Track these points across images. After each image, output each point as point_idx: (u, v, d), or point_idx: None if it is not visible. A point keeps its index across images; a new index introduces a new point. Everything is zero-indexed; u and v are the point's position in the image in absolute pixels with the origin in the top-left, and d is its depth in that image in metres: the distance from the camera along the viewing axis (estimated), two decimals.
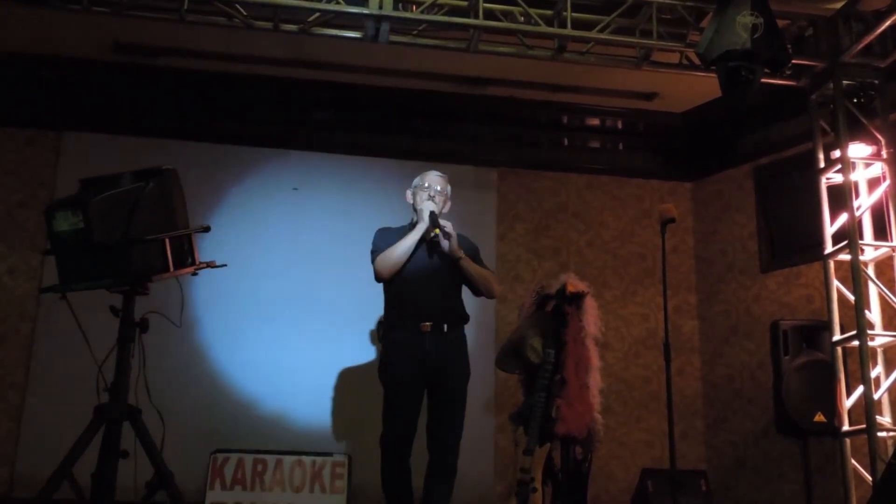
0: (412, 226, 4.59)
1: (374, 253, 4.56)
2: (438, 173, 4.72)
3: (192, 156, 6.20)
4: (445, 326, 4.44)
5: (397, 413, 4.39)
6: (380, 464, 4.44)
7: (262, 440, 5.92)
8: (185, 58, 6.32)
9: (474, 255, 4.67)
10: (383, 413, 4.43)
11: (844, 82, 5.24)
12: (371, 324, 6.26)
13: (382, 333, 4.56)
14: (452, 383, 4.47)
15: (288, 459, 5.74)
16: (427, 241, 4.49)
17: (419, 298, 4.46)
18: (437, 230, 4.41)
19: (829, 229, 5.33)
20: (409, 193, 4.70)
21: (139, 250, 3.33)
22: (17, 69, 6.34)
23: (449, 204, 4.72)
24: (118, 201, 3.33)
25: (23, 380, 5.95)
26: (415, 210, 4.63)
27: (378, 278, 4.54)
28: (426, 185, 4.63)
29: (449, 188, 4.71)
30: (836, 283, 5.25)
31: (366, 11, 4.76)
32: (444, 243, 4.48)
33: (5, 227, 6.19)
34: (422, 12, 4.86)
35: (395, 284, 4.52)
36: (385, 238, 4.59)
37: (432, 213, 4.46)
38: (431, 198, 4.56)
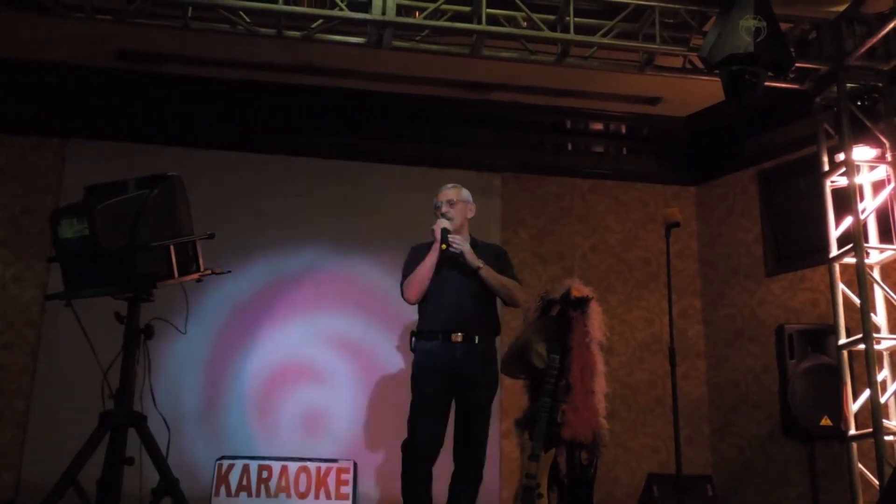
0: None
1: (403, 276, 4.63)
2: (449, 185, 4.76)
3: (196, 162, 6.21)
4: (476, 338, 4.48)
5: (424, 421, 4.41)
6: (401, 468, 4.44)
7: (267, 446, 5.92)
8: (189, 65, 6.34)
9: (500, 263, 4.67)
10: (409, 420, 4.45)
11: (848, 85, 5.23)
12: (375, 330, 6.26)
13: (413, 344, 4.60)
14: (480, 396, 4.50)
15: (293, 466, 5.73)
16: (447, 257, 4.53)
17: (450, 310, 4.50)
18: (444, 246, 4.45)
19: (834, 233, 5.32)
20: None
21: (144, 257, 3.33)
22: (21, 76, 6.37)
23: (472, 207, 4.75)
24: (123, 208, 3.33)
25: (28, 386, 5.96)
26: None
27: (407, 302, 4.61)
28: (436, 203, 4.69)
29: (464, 193, 4.73)
30: (841, 287, 5.23)
31: (369, 17, 4.76)
32: (458, 254, 4.51)
33: (11, 233, 6.21)
34: (425, 18, 4.87)
35: (426, 296, 4.57)
36: (413, 259, 4.64)
37: (443, 230, 4.50)
38: (444, 214, 4.60)
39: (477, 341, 4.47)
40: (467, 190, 4.78)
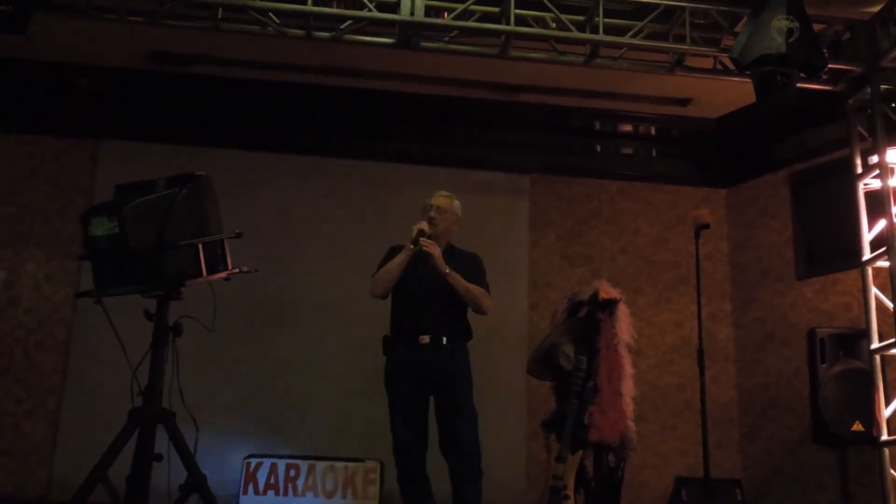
0: None
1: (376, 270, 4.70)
2: (444, 192, 4.83)
3: (225, 162, 6.24)
4: (444, 339, 4.52)
5: (403, 425, 4.50)
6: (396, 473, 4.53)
7: (294, 445, 5.94)
8: (219, 66, 6.38)
9: (472, 271, 4.68)
10: (390, 425, 4.53)
11: (882, 87, 5.16)
12: None
13: (385, 348, 4.64)
14: (455, 395, 4.54)
15: (320, 465, 5.75)
16: (419, 260, 4.57)
17: (418, 313, 4.57)
18: (413, 247, 4.51)
19: (867, 236, 5.26)
20: None
21: (173, 255, 3.36)
22: (54, 78, 6.44)
23: (459, 221, 4.80)
24: (152, 207, 3.36)
25: (60, 384, 6.04)
26: None
27: (371, 295, 4.68)
28: (425, 203, 4.75)
29: (455, 205, 4.80)
30: (874, 291, 5.18)
31: (398, 18, 4.77)
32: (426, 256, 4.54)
33: (44, 233, 6.29)
34: (453, 19, 4.87)
35: (396, 300, 4.66)
36: (388, 256, 4.71)
37: (419, 231, 4.54)
38: (430, 218, 4.65)
39: (445, 342, 4.52)
40: (459, 202, 4.83)
